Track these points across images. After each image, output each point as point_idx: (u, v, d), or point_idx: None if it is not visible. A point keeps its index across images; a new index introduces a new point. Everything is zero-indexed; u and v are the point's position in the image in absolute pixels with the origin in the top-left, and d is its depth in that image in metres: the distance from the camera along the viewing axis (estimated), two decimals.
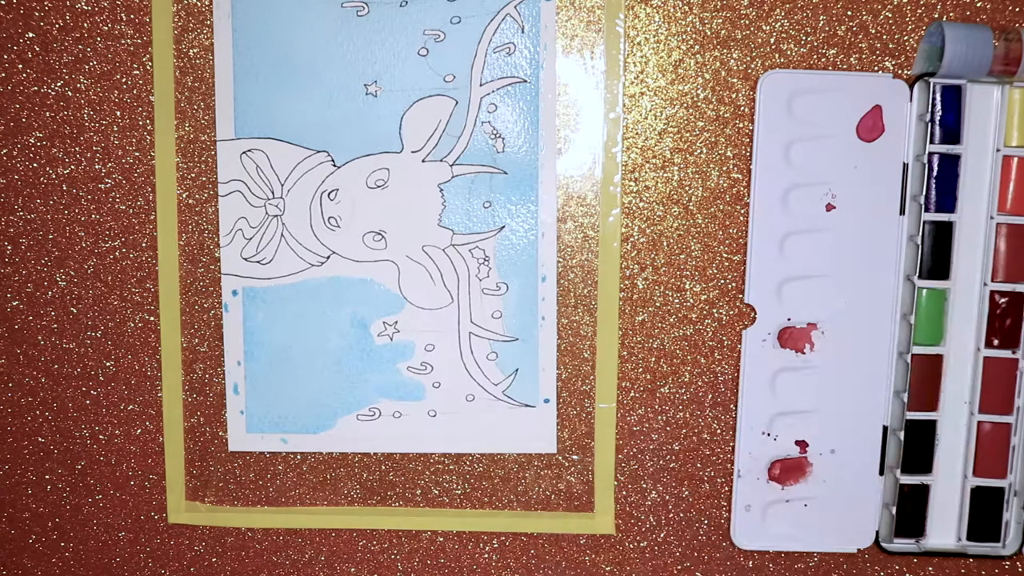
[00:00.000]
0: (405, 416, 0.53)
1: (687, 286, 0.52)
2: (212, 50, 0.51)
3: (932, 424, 0.51)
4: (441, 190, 0.51)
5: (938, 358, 0.51)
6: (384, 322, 0.52)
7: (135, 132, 0.52)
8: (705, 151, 0.51)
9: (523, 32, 0.50)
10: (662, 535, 0.54)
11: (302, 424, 0.53)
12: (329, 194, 0.51)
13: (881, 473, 0.52)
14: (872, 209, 0.51)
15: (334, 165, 0.51)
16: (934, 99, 0.49)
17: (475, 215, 0.51)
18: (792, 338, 0.52)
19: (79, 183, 0.52)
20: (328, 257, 0.52)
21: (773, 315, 0.52)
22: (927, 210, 0.50)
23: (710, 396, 0.53)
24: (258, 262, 0.52)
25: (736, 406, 0.52)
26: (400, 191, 0.51)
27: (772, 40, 0.50)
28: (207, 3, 0.51)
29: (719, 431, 0.53)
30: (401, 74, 0.51)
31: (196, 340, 0.53)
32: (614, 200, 0.51)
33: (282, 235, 0.52)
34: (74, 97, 0.51)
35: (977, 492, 0.51)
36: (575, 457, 0.53)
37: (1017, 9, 0.50)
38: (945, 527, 0.52)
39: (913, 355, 0.51)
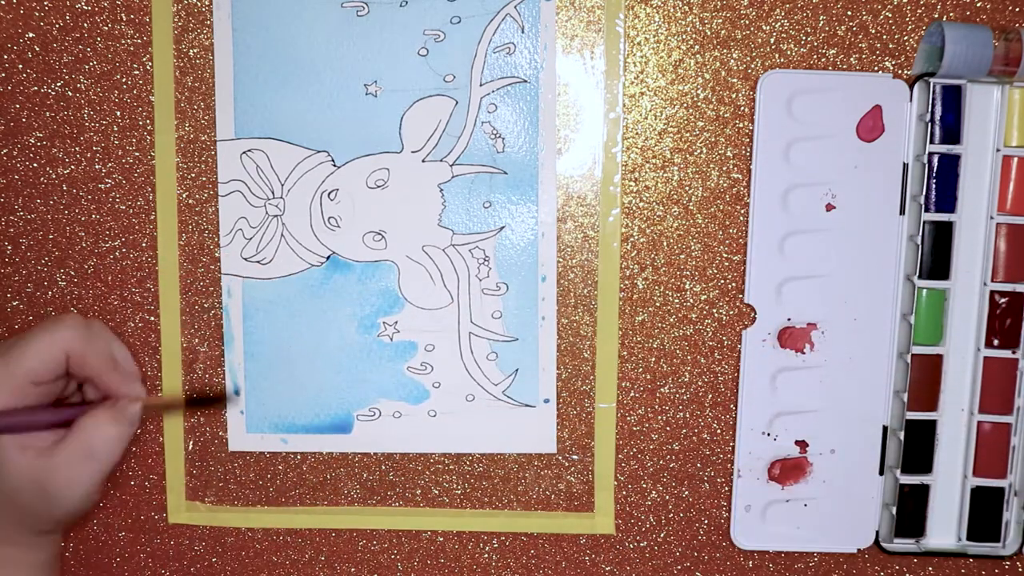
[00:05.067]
0: (405, 416, 0.53)
1: (687, 286, 0.52)
2: (212, 50, 0.51)
3: (932, 424, 0.51)
4: (441, 190, 0.51)
5: (938, 358, 0.51)
6: (384, 322, 0.52)
7: (135, 132, 0.52)
8: (705, 151, 0.51)
9: (523, 32, 0.50)
10: (662, 535, 0.54)
11: (302, 424, 0.53)
12: (329, 194, 0.51)
13: (881, 473, 0.52)
14: (872, 209, 0.51)
15: (334, 165, 0.51)
16: (934, 99, 0.49)
17: (475, 215, 0.51)
18: (792, 338, 0.52)
19: (79, 183, 0.52)
20: (328, 257, 0.52)
21: (773, 315, 0.52)
22: (927, 210, 0.50)
23: (710, 396, 0.52)
24: (258, 262, 0.52)
25: (736, 406, 0.52)
26: (400, 191, 0.51)
27: (772, 40, 0.50)
28: (207, 3, 0.51)
29: (719, 431, 0.53)
30: (401, 74, 0.51)
31: (196, 340, 0.53)
32: (614, 200, 0.51)
33: (282, 235, 0.52)
34: (74, 97, 0.51)
35: (977, 492, 0.51)
36: (575, 457, 0.53)
37: (1017, 9, 0.50)
38: (945, 527, 0.52)
39: (913, 355, 0.51)
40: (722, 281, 0.52)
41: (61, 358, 0.45)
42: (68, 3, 0.51)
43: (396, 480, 0.54)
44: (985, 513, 0.51)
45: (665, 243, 0.52)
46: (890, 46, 0.50)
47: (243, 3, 0.50)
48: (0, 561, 0.46)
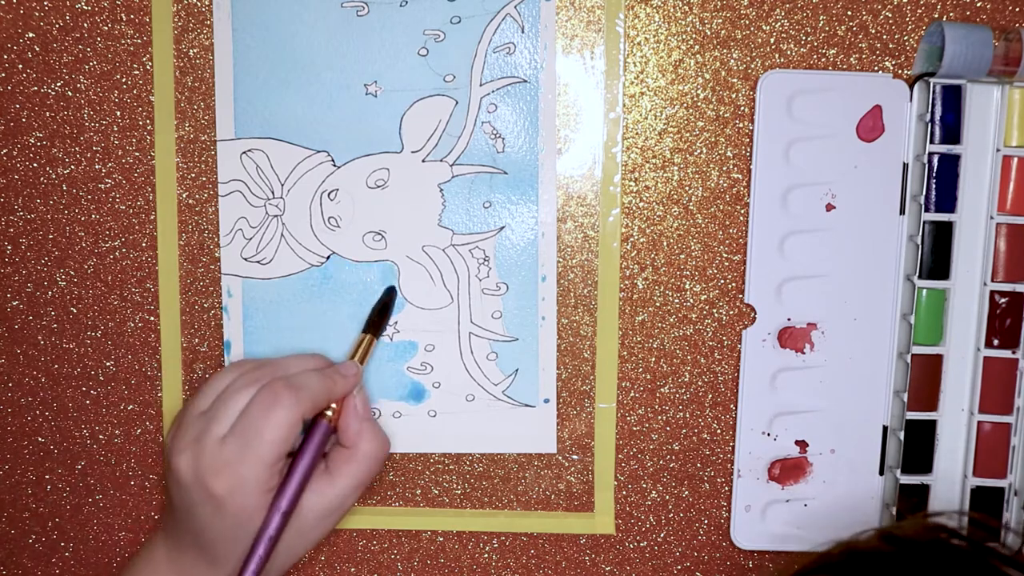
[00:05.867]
0: (405, 416, 0.53)
1: (687, 286, 0.52)
2: (212, 50, 0.51)
3: (932, 424, 0.51)
4: (441, 190, 0.51)
5: (938, 358, 0.51)
6: None
7: (135, 132, 0.52)
8: (705, 151, 0.51)
9: (523, 32, 0.50)
10: (662, 535, 0.54)
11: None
12: (329, 194, 0.51)
13: (881, 473, 0.52)
14: (872, 209, 0.51)
15: (334, 165, 0.51)
16: (934, 99, 0.49)
17: (475, 215, 0.51)
18: (792, 338, 0.52)
19: (79, 183, 0.52)
20: (328, 257, 0.52)
21: (773, 315, 0.52)
22: (927, 210, 0.50)
23: (710, 396, 0.52)
24: (258, 262, 0.52)
25: (736, 406, 0.52)
26: (400, 191, 0.51)
27: (772, 40, 0.50)
28: (207, 3, 0.51)
29: (719, 431, 0.53)
30: (401, 74, 0.51)
31: (196, 340, 0.53)
32: (614, 200, 0.51)
33: (282, 235, 0.52)
34: (74, 97, 0.51)
35: (977, 492, 0.51)
36: (575, 457, 0.53)
37: (1017, 9, 0.50)
38: None
39: (913, 355, 0.50)
40: (722, 281, 0.52)
41: (299, 428, 0.45)
42: (68, 3, 0.51)
43: (396, 480, 0.54)
44: (985, 513, 0.51)
45: (665, 243, 0.52)
46: (890, 46, 0.50)
47: (243, 3, 0.50)
48: None
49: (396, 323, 0.52)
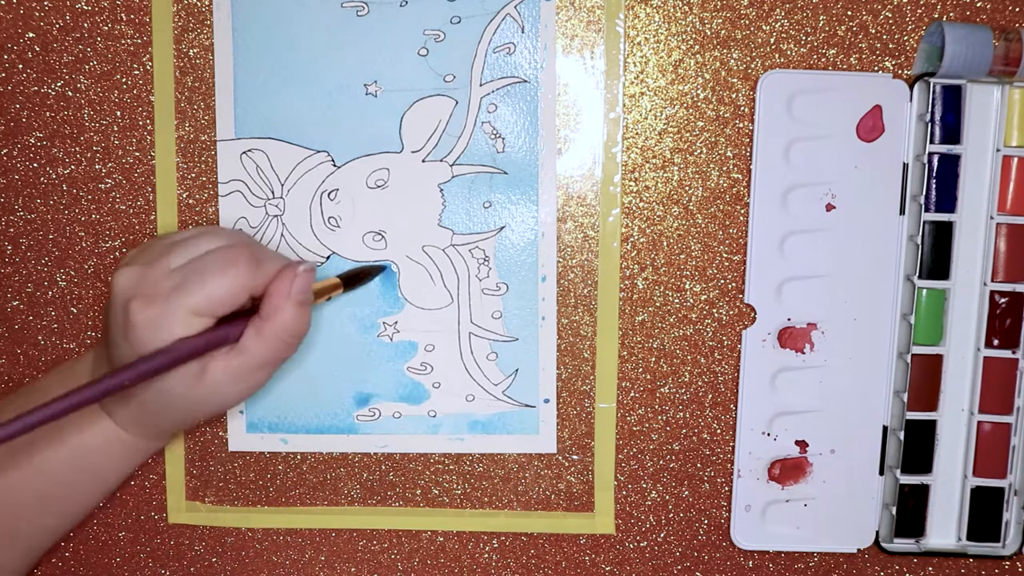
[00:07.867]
0: (405, 416, 0.53)
1: (687, 286, 0.52)
2: (212, 50, 0.51)
3: (932, 424, 0.51)
4: (441, 190, 0.51)
5: (938, 358, 0.51)
6: (384, 322, 0.52)
7: (135, 132, 0.52)
8: (705, 151, 0.51)
9: (523, 32, 0.50)
10: (662, 535, 0.54)
11: (302, 424, 0.53)
12: (329, 194, 0.51)
13: (881, 473, 0.52)
14: (872, 209, 0.51)
15: (334, 165, 0.51)
16: (934, 99, 0.49)
17: (475, 215, 0.51)
18: (792, 338, 0.52)
19: (79, 183, 0.52)
20: (328, 257, 0.52)
21: (773, 315, 0.52)
22: (927, 210, 0.50)
23: (710, 396, 0.53)
24: None
25: (736, 406, 0.52)
26: (400, 191, 0.51)
27: (772, 40, 0.50)
28: (207, 3, 0.51)
29: (719, 431, 0.53)
30: (401, 74, 0.51)
31: None
32: (614, 200, 0.51)
33: (282, 235, 0.52)
34: (74, 97, 0.51)
35: (977, 492, 0.51)
36: (575, 457, 0.53)
37: (1017, 9, 0.50)
38: (945, 527, 0.52)
39: (913, 355, 0.51)
40: (722, 281, 0.52)
41: (240, 300, 0.43)
42: (68, 3, 0.51)
43: (396, 480, 0.54)
44: (985, 513, 0.51)
45: (665, 243, 0.52)
46: (890, 46, 0.50)
47: (243, 3, 0.50)
48: (134, 452, 0.48)
49: (396, 323, 0.52)
